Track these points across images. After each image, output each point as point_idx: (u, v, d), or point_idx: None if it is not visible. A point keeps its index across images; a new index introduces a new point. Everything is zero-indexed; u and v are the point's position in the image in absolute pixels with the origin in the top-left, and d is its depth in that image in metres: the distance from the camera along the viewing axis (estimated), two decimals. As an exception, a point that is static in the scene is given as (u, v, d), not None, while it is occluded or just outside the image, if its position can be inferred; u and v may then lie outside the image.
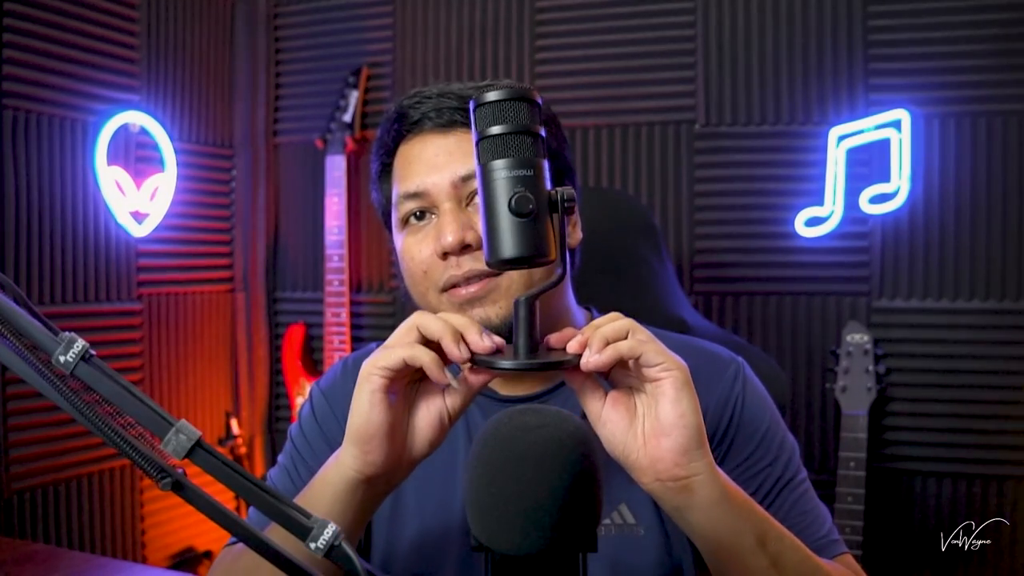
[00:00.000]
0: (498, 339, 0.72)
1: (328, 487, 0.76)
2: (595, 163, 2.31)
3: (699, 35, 2.23)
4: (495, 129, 0.68)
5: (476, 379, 0.74)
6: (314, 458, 0.98)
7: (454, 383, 0.72)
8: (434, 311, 0.94)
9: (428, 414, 0.75)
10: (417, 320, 0.73)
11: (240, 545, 0.89)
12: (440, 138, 0.91)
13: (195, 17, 2.46)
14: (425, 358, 0.70)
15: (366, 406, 0.72)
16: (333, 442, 0.93)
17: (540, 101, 0.71)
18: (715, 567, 0.77)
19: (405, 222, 0.94)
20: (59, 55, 2.03)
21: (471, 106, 0.70)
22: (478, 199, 0.70)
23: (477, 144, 0.69)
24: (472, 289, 0.88)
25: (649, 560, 0.93)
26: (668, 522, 0.94)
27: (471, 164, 0.89)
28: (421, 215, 0.93)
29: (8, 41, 1.91)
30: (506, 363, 0.69)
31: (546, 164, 0.70)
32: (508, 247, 0.67)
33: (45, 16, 2.00)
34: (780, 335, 2.19)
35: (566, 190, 0.69)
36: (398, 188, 0.94)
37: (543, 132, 0.70)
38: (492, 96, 0.69)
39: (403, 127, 0.94)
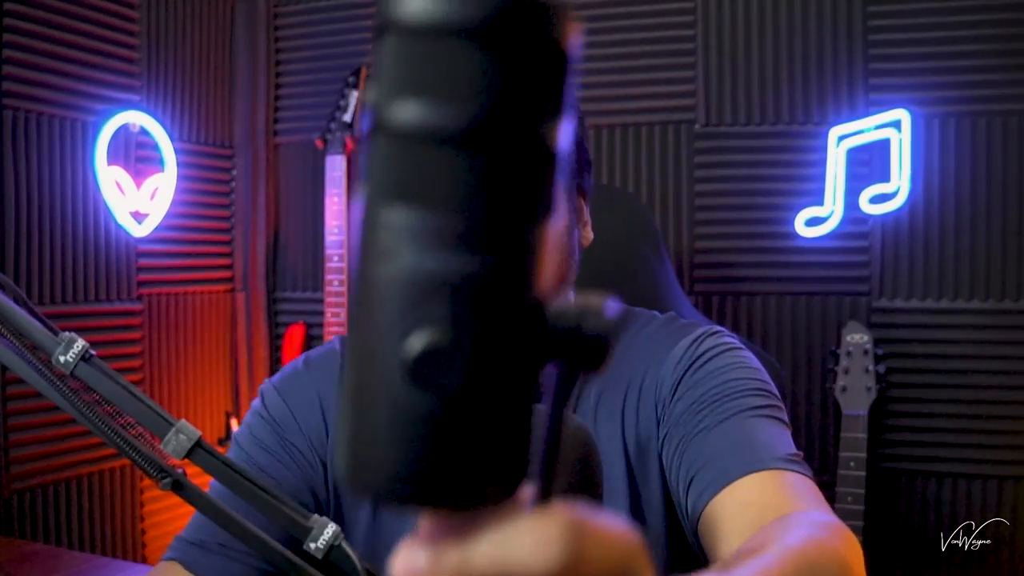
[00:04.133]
0: None
1: None
2: (595, 163, 2.30)
3: (699, 35, 2.23)
4: None
5: None
6: (267, 460, 0.92)
7: None
8: None
9: None
10: None
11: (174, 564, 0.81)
12: None
13: (195, 17, 2.46)
14: None
15: None
16: (288, 440, 0.91)
17: None
18: None
19: None
20: (59, 55, 2.03)
21: None
22: None
23: None
24: None
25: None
26: (637, 484, 0.92)
27: None
28: None
29: (8, 41, 1.91)
30: None
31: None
32: None
33: (45, 16, 1.99)
34: (780, 335, 2.19)
35: None
36: None
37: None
38: None
39: None
